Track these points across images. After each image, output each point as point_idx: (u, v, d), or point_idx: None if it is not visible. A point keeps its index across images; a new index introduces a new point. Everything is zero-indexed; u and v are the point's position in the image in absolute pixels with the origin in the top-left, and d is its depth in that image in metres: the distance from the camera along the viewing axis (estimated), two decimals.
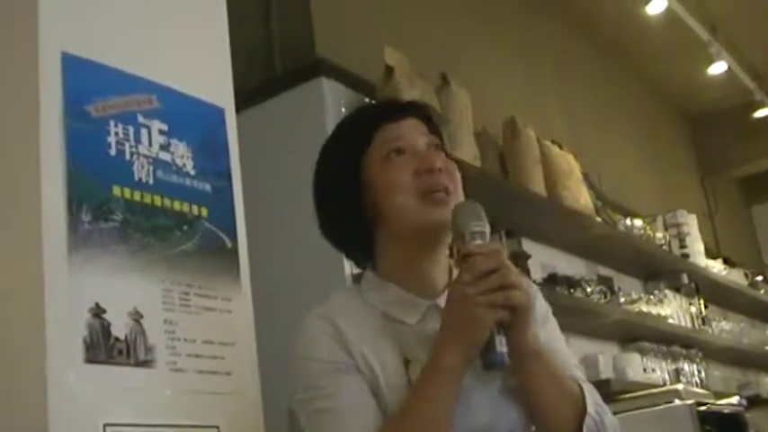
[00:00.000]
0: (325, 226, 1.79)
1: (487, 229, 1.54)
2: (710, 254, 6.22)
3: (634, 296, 4.80)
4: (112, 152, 2.08)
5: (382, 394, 1.57)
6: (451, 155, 1.79)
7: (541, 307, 1.77)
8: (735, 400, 3.96)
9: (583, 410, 1.59)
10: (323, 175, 1.80)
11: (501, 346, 1.49)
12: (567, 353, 1.76)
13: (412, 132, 1.71)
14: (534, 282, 2.52)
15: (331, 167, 1.78)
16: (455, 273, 1.63)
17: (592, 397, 1.63)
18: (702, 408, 3.46)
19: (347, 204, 1.71)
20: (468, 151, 3.75)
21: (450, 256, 1.69)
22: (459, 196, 1.67)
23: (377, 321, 1.65)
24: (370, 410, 1.56)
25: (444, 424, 1.51)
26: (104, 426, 1.87)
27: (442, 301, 1.60)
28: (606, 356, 4.32)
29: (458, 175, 1.71)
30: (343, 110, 3.42)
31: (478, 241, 1.52)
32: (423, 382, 1.52)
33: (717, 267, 6.14)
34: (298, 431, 1.66)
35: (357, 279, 1.82)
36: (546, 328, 1.73)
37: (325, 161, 1.80)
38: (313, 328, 1.65)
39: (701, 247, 5.83)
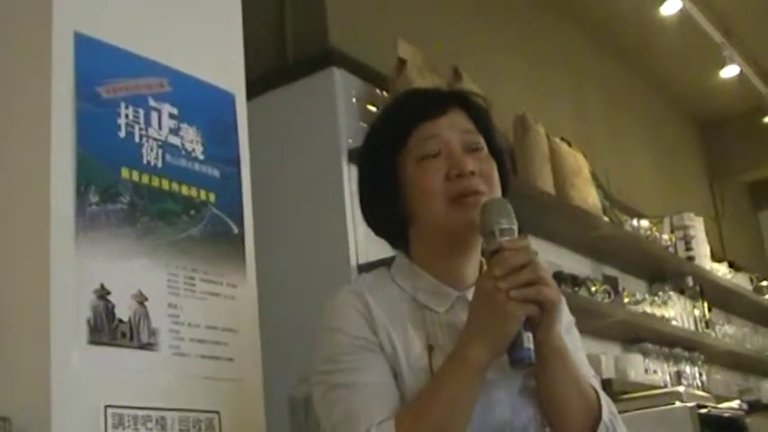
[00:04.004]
0: (363, 212, 1.80)
1: (515, 227, 1.54)
2: (716, 257, 6.20)
3: (638, 297, 4.78)
4: (122, 134, 2.08)
5: (402, 377, 1.58)
6: (497, 146, 1.77)
7: (567, 316, 1.77)
8: (735, 404, 3.95)
9: (597, 416, 1.59)
10: (363, 164, 1.80)
11: (528, 342, 1.49)
12: (586, 365, 1.76)
13: (449, 131, 1.69)
14: None
15: (370, 160, 1.77)
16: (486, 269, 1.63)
17: (607, 405, 1.63)
18: (703, 411, 3.45)
19: (383, 199, 1.72)
20: None
21: (482, 253, 1.68)
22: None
23: (406, 305, 1.66)
24: (390, 391, 1.56)
25: (462, 416, 1.51)
26: (105, 407, 1.88)
27: (470, 294, 1.59)
28: (608, 356, 4.31)
29: (495, 176, 1.69)
30: (354, 100, 3.42)
31: (507, 238, 1.52)
32: (446, 372, 1.52)
33: (722, 271, 6.11)
34: (314, 405, 1.65)
35: (380, 264, 1.81)
36: (567, 339, 1.73)
37: (366, 152, 1.80)
38: (343, 301, 1.65)
39: (706, 250, 5.80)
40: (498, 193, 1.69)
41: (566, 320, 1.76)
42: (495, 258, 1.51)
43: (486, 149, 1.71)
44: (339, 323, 1.63)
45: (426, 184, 1.65)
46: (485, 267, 1.68)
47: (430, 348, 1.59)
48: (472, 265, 1.71)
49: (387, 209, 1.72)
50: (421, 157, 1.67)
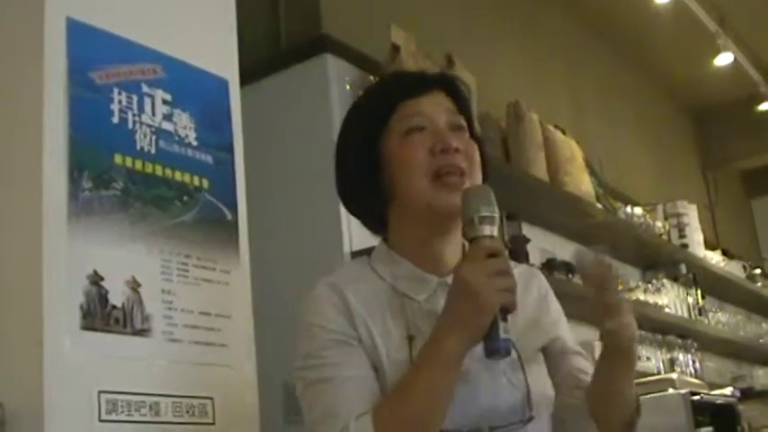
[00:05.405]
0: (341, 194, 1.77)
1: (497, 215, 1.52)
2: (709, 245, 6.21)
3: (632, 284, 4.80)
4: (115, 120, 2.08)
5: (383, 368, 1.57)
6: (476, 133, 1.76)
7: (541, 288, 1.78)
8: (728, 391, 3.97)
9: (636, 413, 1.66)
10: (343, 143, 1.77)
11: (504, 333, 1.47)
12: (570, 335, 1.77)
13: (433, 109, 1.68)
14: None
15: (351, 138, 1.75)
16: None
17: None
18: (696, 397, 3.47)
19: (364, 177, 1.69)
20: None
21: (464, 235, 1.66)
22: (475, 178, 1.65)
23: (385, 295, 1.64)
24: (370, 384, 1.55)
25: (440, 406, 1.49)
26: (98, 393, 1.88)
27: (451, 279, 1.56)
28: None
29: (477, 157, 1.68)
30: (348, 87, 3.41)
31: (487, 226, 1.50)
32: (421, 363, 1.50)
33: (715, 259, 6.13)
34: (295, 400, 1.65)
35: (366, 253, 1.79)
36: (560, 326, 1.76)
37: (346, 130, 1.78)
38: (320, 296, 1.64)
39: (700, 237, 5.82)
40: (479, 176, 1.67)
41: (541, 291, 1.77)
42: (472, 246, 1.50)
43: (467, 132, 1.71)
44: (317, 318, 1.61)
45: (410, 156, 1.63)
46: (467, 249, 1.66)
47: (410, 338, 1.58)
48: (453, 247, 1.68)
49: (367, 187, 1.69)
50: (406, 131, 1.66)
